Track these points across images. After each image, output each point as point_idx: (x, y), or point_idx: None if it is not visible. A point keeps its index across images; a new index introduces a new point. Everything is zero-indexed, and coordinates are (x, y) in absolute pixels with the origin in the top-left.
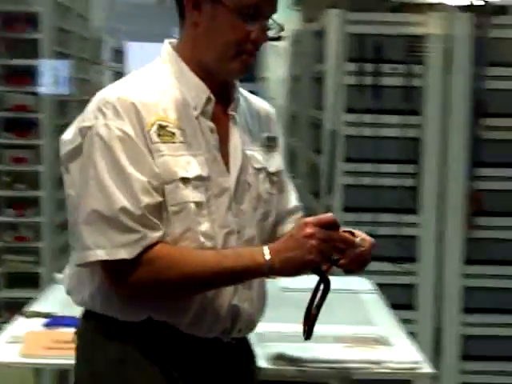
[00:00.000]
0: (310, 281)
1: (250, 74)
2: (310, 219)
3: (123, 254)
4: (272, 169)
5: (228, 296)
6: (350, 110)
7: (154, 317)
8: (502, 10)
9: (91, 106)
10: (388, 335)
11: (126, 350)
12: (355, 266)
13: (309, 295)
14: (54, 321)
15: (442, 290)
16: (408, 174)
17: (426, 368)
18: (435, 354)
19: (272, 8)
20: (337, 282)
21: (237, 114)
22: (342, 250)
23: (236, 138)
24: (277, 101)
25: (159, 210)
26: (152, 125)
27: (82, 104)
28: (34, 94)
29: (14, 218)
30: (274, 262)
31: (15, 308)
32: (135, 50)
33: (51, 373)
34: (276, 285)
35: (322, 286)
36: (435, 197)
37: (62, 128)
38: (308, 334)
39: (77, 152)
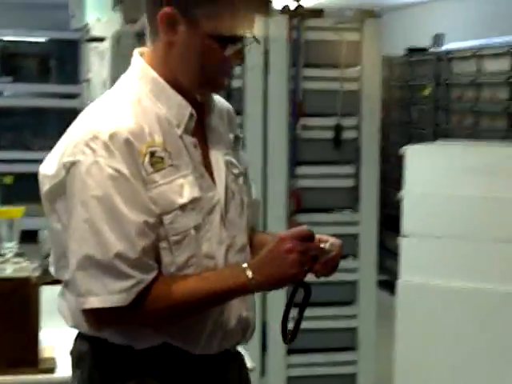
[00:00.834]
0: None
1: (73, 77)
2: (286, 234)
3: (117, 301)
4: (242, 168)
5: (237, 309)
6: None
7: (170, 341)
8: (317, 12)
9: (75, 139)
10: None
11: (144, 380)
12: (328, 271)
13: None
14: None
15: None
16: None
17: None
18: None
19: (250, 29)
20: None
21: (211, 122)
22: (316, 258)
23: (215, 147)
24: None
25: (155, 248)
26: (144, 155)
27: None
28: None
29: None
30: (258, 279)
31: None
32: None
33: None
34: None
35: (300, 293)
36: (260, 196)
37: None
38: (292, 337)
39: (62, 187)
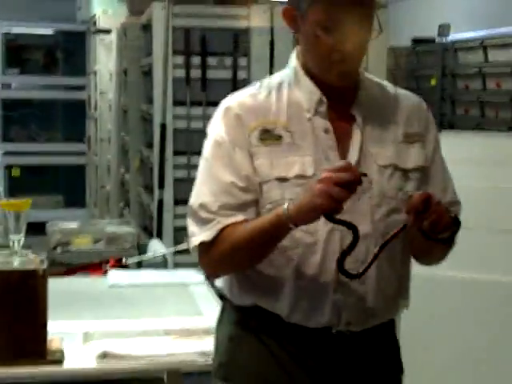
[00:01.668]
0: (138, 277)
1: (80, 69)
2: (327, 168)
3: (204, 237)
4: (409, 165)
5: (327, 288)
6: (179, 104)
7: (258, 303)
8: None
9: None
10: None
11: (236, 330)
12: (429, 225)
13: (137, 291)
14: None
15: None
16: None
17: None
18: None
19: (355, 15)
20: (165, 275)
21: (359, 114)
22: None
23: (356, 137)
24: (107, 95)
25: (240, 208)
26: (254, 129)
27: None
28: None
29: None
30: (291, 210)
31: None
32: None
33: None
34: (104, 282)
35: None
36: None
37: None
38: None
39: None
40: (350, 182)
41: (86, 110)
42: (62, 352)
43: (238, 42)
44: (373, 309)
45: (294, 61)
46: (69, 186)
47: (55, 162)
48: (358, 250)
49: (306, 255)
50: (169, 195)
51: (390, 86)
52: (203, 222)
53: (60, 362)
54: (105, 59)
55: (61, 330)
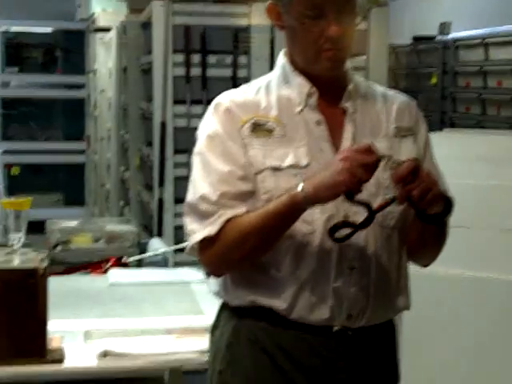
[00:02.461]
0: (139, 276)
1: (79, 67)
2: (346, 147)
3: (207, 232)
4: (403, 157)
5: (328, 277)
6: (179, 102)
7: (256, 300)
8: None
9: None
10: None
11: (233, 337)
12: (418, 198)
13: (137, 290)
14: None
15: None
16: None
17: None
18: None
19: (334, 4)
20: (165, 273)
21: (350, 106)
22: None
23: (349, 129)
24: (107, 93)
25: (240, 197)
26: (245, 122)
27: None
28: None
29: None
30: (308, 188)
31: None
32: None
33: None
34: (104, 281)
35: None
36: None
37: None
38: (339, 239)
39: None
40: (370, 165)
41: (86, 109)
42: (62, 351)
43: (238, 40)
44: (373, 300)
45: (281, 59)
46: (68, 185)
47: (55, 160)
48: (356, 238)
49: (304, 245)
50: (169, 194)
51: (377, 85)
52: (204, 216)
53: (60, 360)
54: (104, 57)
55: (61, 329)
